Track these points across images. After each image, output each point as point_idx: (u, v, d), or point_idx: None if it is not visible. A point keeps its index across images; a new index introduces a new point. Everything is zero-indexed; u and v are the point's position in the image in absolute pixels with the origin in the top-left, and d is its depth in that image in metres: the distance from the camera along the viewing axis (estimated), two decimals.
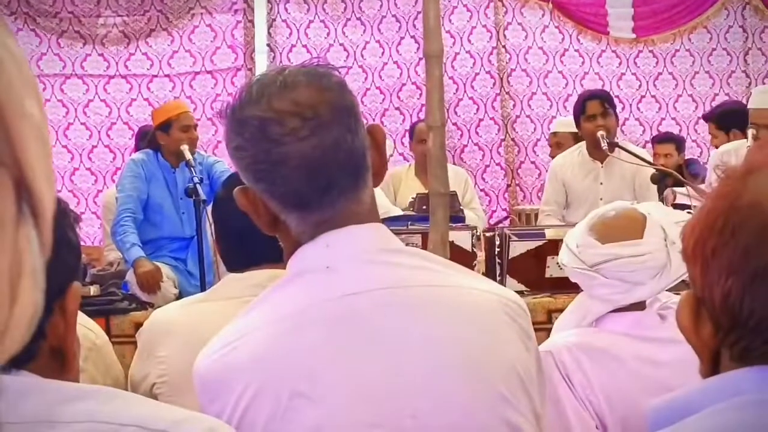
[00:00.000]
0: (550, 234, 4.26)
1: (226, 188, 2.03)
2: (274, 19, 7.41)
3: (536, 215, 5.47)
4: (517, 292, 1.71)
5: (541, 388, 1.46)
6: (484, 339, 1.40)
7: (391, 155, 6.73)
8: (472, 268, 3.66)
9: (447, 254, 3.14)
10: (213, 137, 7.05)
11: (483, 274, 3.96)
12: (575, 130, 5.61)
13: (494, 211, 7.43)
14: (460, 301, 1.42)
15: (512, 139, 7.52)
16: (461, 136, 7.53)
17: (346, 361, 1.35)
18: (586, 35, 7.61)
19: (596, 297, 2.17)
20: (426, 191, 4.84)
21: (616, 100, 5.72)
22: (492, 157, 7.56)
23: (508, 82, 7.48)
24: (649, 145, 7.03)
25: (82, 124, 7.31)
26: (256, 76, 1.44)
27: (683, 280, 1.82)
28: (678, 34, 7.65)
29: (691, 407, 0.97)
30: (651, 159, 5.45)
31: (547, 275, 4.22)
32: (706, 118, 6.41)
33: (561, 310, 2.53)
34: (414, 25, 7.35)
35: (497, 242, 4.25)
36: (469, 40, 7.50)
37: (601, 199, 5.05)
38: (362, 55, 7.44)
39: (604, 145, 4.98)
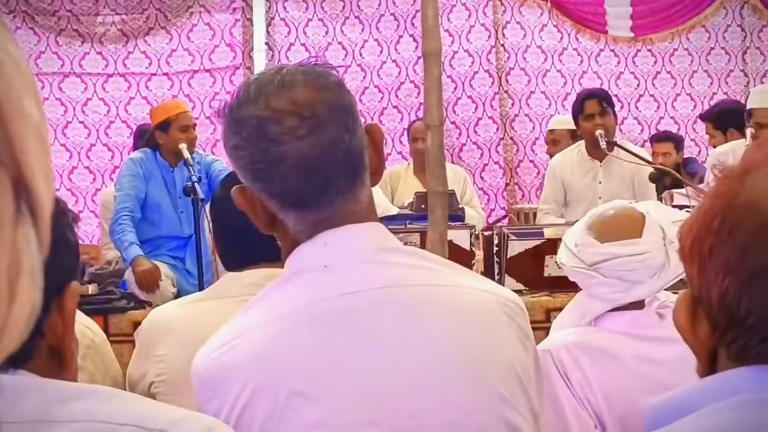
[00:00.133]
0: (548, 233, 4.26)
1: (224, 187, 2.03)
2: (273, 18, 7.41)
3: (535, 214, 5.47)
4: (515, 291, 1.71)
5: (539, 387, 1.46)
6: (482, 338, 1.40)
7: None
8: (470, 267, 3.67)
9: (445, 253, 3.14)
10: (211, 136, 7.05)
11: (481, 273, 3.96)
12: (572, 127, 5.62)
13: (493, 210, 7.43)
14: (458, 300, 1.42)
15: (511, 138, 7.52)
16: (460, 134, 7.53)
17: (344, 360, 1.35)
18: (584, 34, 7.61)
19: (595, 296, 2.17)
20: (424, 190, 4.84)
21: (614, 99, 5.72)
22: (490, 156, 7.56)
23: (507, 81, 7.48)
24: (648, 144, 7.03)
25: (80, 122, 7.31)
26: (254, 75, 1.44)
27: (682, 279, 1.82)
28: (676, 33, 7.65)
29: (688, 406, 0.97)
30: (650, 158, 5.45)
31: (546, 274, 4.22)
32: (703, 117, 6.41)
33: (559, 309, 2.53)
34: (412, 24, 7.35)
35: (496, 241, 4.25)
36: (468, 39, 7.50)
37: (599, 198, 5.05)
38: (361, 54, 7.44)
39: (602, 144, 4.98)
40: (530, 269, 4.24)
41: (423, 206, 4.73)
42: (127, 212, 4.85)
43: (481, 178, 7.54)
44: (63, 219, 1.20)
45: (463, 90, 7.52)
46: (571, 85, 7.52)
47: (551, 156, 6.00)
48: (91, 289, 4.38)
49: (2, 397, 1.00)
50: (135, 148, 5.67)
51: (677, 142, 6.67)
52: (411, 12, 7.38)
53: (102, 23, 7.25)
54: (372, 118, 7.19)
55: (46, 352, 1.14)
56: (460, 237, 4.23)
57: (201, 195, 4.53)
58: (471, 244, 4.31)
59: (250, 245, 1.99)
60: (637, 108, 7.65)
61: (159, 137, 4.98)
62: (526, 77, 7.53)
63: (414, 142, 6.00)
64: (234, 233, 2.04)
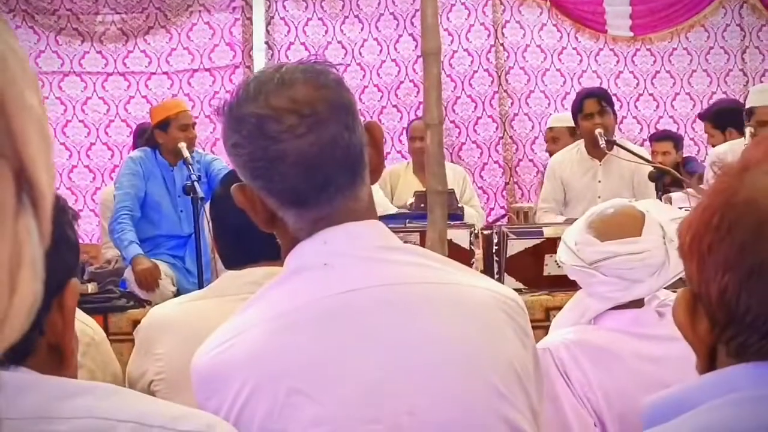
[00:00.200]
0: (548, 232, 4.26)
1: (223, 186, 2.03)
2: (273, 17, 7.41)
3: (534, 213, 5.47)
4: (515, 289, 1.71)
5: (538, 386, 1.46)
6: (481, 336, 1.40)
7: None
8: (470, 266, 3.66)
9: (445, 252, 3.14)
10: (211, 134, 7.05)
11: (481, 272, 3.96)
12: (571, 124, 5.62)
13: (492, 209, 7.43)
14: (458, 298, 1.42)
15: (510, 137, 7.52)
16: (459, 133, 7.53)
17: (344, 358, 1.35)
18: (583, 33, 7.61)
19: (595, 294, 2.17)
20: (424, 189, 4.84)
21: (614, 99, 5.72)
22: (490, 155, 7.56)
23: (506, 80, 7.48)
24: (647, 143, 7.03)
25: (80, 121, 7.31)
26: (253, 74, 1.44)
27: (681, 278, 1.82)
28: (676, 32, 7.65)
29: (687, 403, 0.97)
30: (649, 157, 5.45)
31: (545, 273, 4.22)
32: (702, 117, 6.41)
33: (559, 308, 2.53)
34: (412, 23, 7.36)
35: (495, 240, 4.25)
36: (467, 38, 7.50)
37: (599, 197, 5.05)
38: (360, 53, 7.44)
39: (602, 143, 4.99)
40: (530, 268, 4.24)
41: (422, 205, 4.73)
42: (127, 211, 4.85)
43: (481, 177, 7.54)
44: (63, 217, 1.20)
45: (463, 89, 7.52)
46: (571, 84, 7.52)
47: (551, 154, 6.00)
48: (91, 288, 4.38)
49: (3, 393, 1.00)
50: (135, 147, 5.67)
51: (676, 141, 6.67)
52: (410, 11, 7.38)
53: (102, 22, 7.25)
54: (371, 117, 7.18)
55: (46, 349, 1.14)
56: (459, 236, 4.23)
57: (200, 194, 4.53)
58: (470, 243, 4.31)
59: (250, 243, 1.99)
60: (636, 107, 7.65)
61: (159, 136, 4.98)
62: (525, 76, 7.53)
63: (413, 141, 5.99)
64: (234, 231, 2.05)
